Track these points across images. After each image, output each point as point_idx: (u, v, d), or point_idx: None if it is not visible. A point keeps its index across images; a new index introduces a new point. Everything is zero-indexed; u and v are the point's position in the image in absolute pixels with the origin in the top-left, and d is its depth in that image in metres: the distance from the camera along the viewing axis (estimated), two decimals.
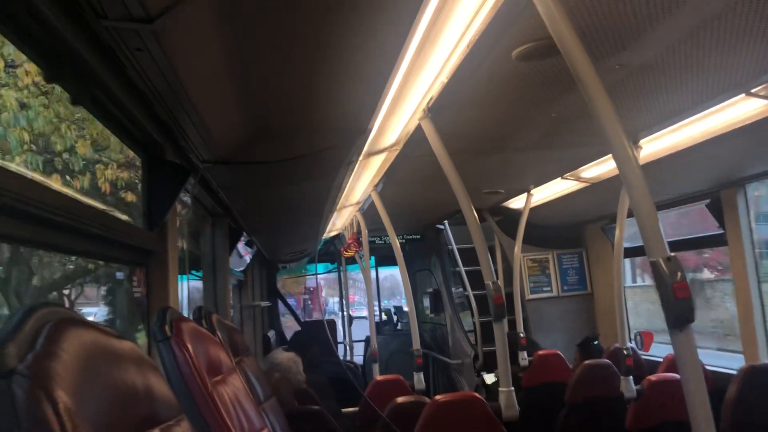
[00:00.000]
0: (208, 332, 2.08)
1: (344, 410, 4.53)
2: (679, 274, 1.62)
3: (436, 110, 2.81)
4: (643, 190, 1.78)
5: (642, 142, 3.48)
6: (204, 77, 1.92)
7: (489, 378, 5.48)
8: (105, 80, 1.67)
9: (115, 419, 0.98)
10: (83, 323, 1.02)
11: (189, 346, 1.69)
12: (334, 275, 10.80)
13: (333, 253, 9.34)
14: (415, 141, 3.24)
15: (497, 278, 3.09)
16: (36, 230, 1.34)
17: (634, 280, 14.73)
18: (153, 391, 1.16)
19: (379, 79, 2.20)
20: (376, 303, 10.32)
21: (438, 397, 2.94)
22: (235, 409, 1.89)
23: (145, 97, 1.95)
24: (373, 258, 9.80)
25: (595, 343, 5.37)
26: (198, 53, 1.74)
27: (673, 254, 1.66)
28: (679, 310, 1.62)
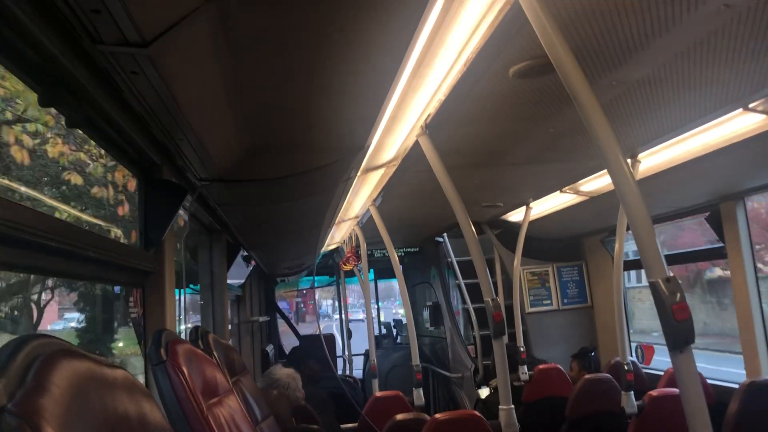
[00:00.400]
0: (204, 353, 2.06)
1: (343, 426, 4.50)
2: (678, 294, 1.61)
3: (434, 127, 2.81)
4: (641, 208, 1.77)
5: (641, 156, 3.48)
6: (200, 97, 1.92)
7: (483, 392, 5.45)
8: (101, 103, 1.66)
9: None
10: (75, 354, 1.01)
11: (184, 369, 1.68)
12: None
13: (331, 267, 9.34)
14: (413, 157, 3.24)
15: (497, 292, 3.07)
16: (31, 256, 1.33)
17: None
18: (146, 418, 1.15)
19: (377, 97, 2.19)
20: (375, 316, 10.29)
21: (437, 415, 2.91)
22: (231, 431, 1.87)
23: (142, 119, 1.94)
24: (372, 271, 9.79)
25: (592, 354, 5.36)
26: (194, 74, 1.74)
27: (672, 275, 1.64)
28: (678, 332, 1.60)
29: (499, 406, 3.01)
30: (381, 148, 3.05)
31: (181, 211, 3.04)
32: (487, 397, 5.15)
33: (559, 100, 2.65)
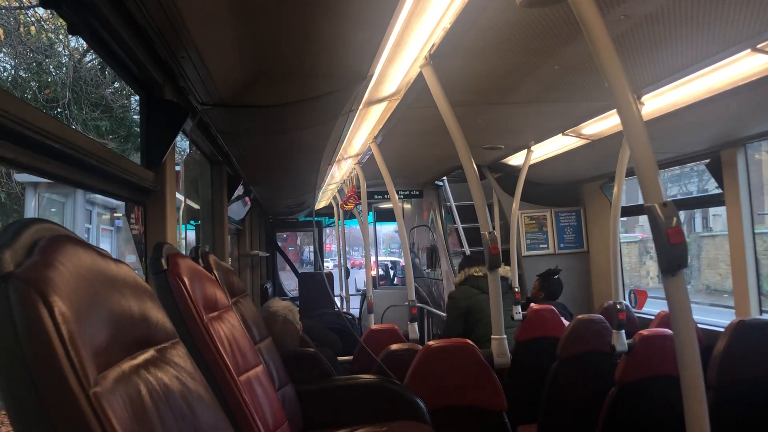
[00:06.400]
0: (205, 270, 2.09)
1: (339, 359, 4.59)
2: (675, 219, 1.63)
3: (438, 57, 2.78)
4: (644, 137, 1.78)
5: (644, 98, 3.45)
6: (204, 15, 1.90)
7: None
8: (103, 11, 1.65)
9: (109, 336, 0.99)
10: (80, 242, 1.03)
11: (185, 279, 1.71)
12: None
13: (330, 207, 9.40)
14: (416, 90, 3.22)
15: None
16: (34, 156, 1.34)
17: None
18: (148, 314, 1.18)
19: (381, 21, 2.17)
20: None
21: (430, 342, 2.98)
22: (231, 344, 1.92)
23: (145, 33, 1.93)
24: (371, 214, 9.85)
25: (556, 277, 5.49)
26: None
27: (668, 200, 1.66)
28: (672, 256, 1.63)
29: (492, 336, 3.08)
30: (384, 80, 3.03)
31: (183, 140, 3.05)
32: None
33: (566, 34, 2.61)
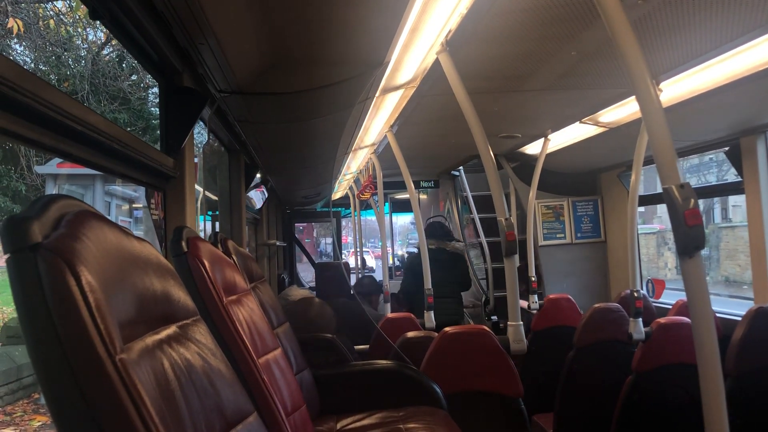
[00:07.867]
0: (224, 255, 2.12)
1: (356, 347, 4.62)
2: (692, 201, 1.63)
3: (454, 44, 2.78)
4: (662, 120, 1.78)
5: (662, 84, 3.43)
6: (223, 2, 1.92)
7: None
8: None
9: (133, 310, 1.01)
10: (104, 219, 1.05)
11: (205, 262, 1.74)
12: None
13: (346, 198, 9.43)
14: (432, 78, 3.22)
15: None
16: (59, 138, 1.36)
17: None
18: (170, 291, 1.20)
19: (397, 7, 2.17)
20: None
21: (447, 329, 2.99)
22: (250, 327, 1.94)
23: (165, 20, 1.95)
24: (387, 204, 9.87)
25: None
26: None
27: (686, 182, 1.66)
28: (689, 237, 1.63)
29: (508, 323, 3.08)
30: (400, 67, 3.04)
31: (198, 128, 3.08)
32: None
33: (584, 19, 2.60)
